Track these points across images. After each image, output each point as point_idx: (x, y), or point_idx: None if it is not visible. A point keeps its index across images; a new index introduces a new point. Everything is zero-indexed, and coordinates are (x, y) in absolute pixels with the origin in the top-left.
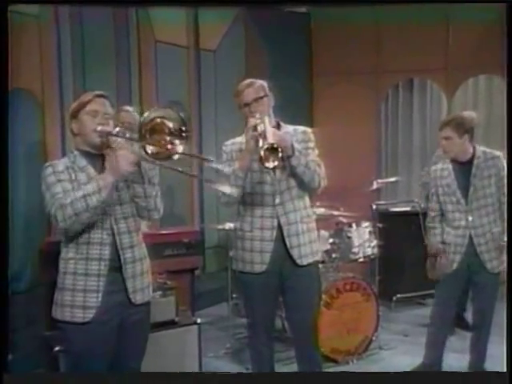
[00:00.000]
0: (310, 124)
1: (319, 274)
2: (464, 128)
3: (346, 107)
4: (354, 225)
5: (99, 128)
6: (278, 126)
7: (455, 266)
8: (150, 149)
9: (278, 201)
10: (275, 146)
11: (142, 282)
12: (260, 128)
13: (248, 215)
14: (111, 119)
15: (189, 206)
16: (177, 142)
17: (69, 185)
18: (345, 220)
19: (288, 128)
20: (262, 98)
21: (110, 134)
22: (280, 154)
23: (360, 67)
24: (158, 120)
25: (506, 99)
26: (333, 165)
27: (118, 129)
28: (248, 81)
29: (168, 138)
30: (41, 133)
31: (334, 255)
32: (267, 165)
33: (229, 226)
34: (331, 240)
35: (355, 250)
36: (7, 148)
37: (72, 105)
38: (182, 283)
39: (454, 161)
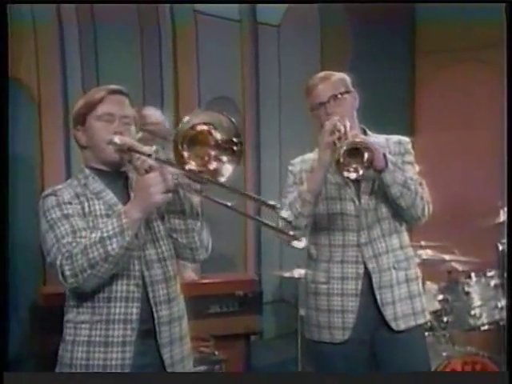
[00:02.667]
0: (410, 128)
1: (426, 344)
2: None
3: (461, 100)
4: (473, 275)
5: (117, 139)
6: (363, 134)
7: None
8: (188, 166)
9: (364, 239)
10: (359, 146)
11: (182, 350)
12: (339, 131)
13: (323, 260)
14: (133, 124)
15: (241, 244)
16: (224, 158)
17: (81, 221)
18: (461, 267)
19: (378, 138)
20: (342, 94)
21: (131, 149)
22: (366, 156)
23: (484, 39)
24: (203, 128)
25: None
26: (442, 187)
27: (140, 134)
28: (323, 73)
29: (213, 153)
30: (37, 137)
31: (445, 319)
32: (347, 174)
33: (298, 273)
34: (441, 296)
35: (476, 312)
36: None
37: (76, 105)
38: (234, 354)
39: None
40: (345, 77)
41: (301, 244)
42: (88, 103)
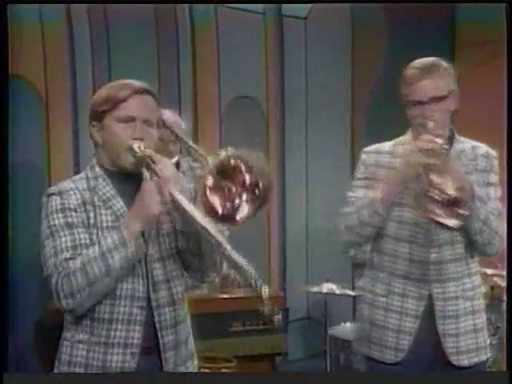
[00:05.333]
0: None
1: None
2: None
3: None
4: None
5: (136, 147)
6: (451, 138)
7: None
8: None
9: (433, 257)
10: (458, 199)
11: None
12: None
13: (385, 271)
14: (154, 127)
15: (265, 257)
16: (244, 197)
17: (83, 234)
18: (503, 283)
19: (465, 144)
20: (445, 97)
21: (151, 159)
22: (462, 211)
23: None
24: (236, 162)
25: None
26: None
27: (176, 158)
28: (429, 62)
29: (234, 190)
30: (44, 136)
31: (488, 340)
32: (444, 221)
33: (327, 288)
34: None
35: None
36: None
37: (95, 97)
38: None
39: None
40: (451, 70)
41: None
42: (109, 100)
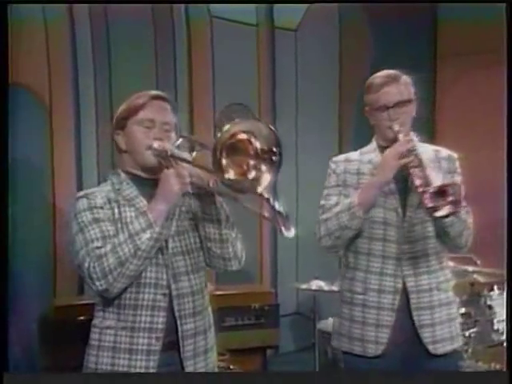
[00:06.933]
0: (431, 132)
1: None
2: None
3: (484, 104)
4: (495, 288)
5: (156, 145)
6: None
7: None
8: (227, 174)
9: (405, 253)
10: (444, 189)
11: (206, 364)
12: (413, 153)
13: (361, 269)
14: (173, 131)
15: (257, 255)
16: (263, 168)
17: (111, 227)
18: (482, 279)
19: (426, 148)
20: (407, 102)
21: (172, 155)
22: (451, 198)
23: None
24: (243, 136)
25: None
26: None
27: (180, 140)
28: (391, 73)
29: (252, 162)
30: (47, 140)
31: (467, 333)
32: (439, 214)
33: (316, 284)
34: (463, 310)
35: (499, 326)
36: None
37: (118, 109)
38: (250, 368)
39: None
40: (410, 81)
41: (290, 234)
42: (129, 108)
